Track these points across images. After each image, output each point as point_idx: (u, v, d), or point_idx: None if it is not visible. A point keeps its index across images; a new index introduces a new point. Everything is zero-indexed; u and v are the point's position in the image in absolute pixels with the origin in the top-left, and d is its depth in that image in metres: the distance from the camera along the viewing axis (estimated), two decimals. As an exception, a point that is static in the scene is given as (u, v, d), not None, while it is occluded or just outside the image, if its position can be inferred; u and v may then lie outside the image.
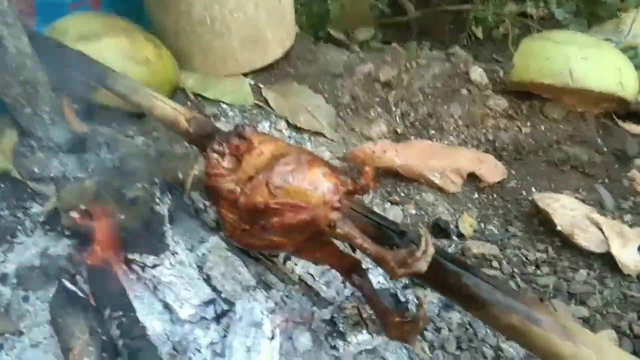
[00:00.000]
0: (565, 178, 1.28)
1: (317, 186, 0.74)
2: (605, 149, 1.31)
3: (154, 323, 1.00)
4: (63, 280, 0.99)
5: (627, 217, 1.20)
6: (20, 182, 1.30)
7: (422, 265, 0.64)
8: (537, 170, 1.30)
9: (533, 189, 1.27)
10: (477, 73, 1.44)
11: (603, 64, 1.25)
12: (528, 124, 1.34)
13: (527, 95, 1.36)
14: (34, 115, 1.30)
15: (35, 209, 1.29)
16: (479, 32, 2.03)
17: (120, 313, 0.86)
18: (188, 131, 0.93)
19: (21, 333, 1.02)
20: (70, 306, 0.93)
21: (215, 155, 0.81)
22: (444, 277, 0.69)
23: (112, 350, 0.83)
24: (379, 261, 0.70)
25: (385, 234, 0.75)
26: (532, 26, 1.75)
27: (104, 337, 0.86)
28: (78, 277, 1.04)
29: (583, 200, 1.22)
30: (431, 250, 0.65)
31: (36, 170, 1.30)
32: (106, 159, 1.36)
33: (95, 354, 0.83)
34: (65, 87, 1.33)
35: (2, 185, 1.32)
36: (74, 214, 1.01)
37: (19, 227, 1.23)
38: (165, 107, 0.98)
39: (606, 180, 1.28)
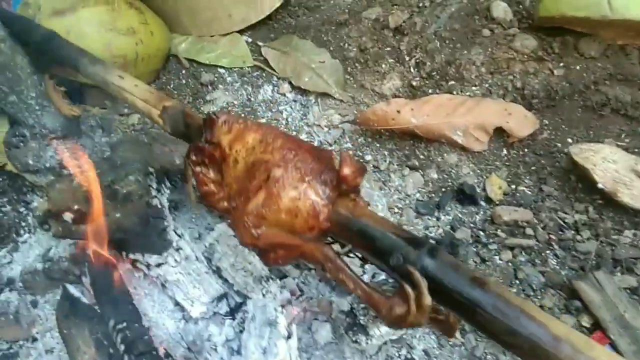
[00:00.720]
0: (606, 124, 1.13)
1: (296, 213, 0.66)
2: (651, 86, 1.15)
3: (166, 322, 0.95)
4: (67, 285, 0.94)
5: (678, 164, 1.06)
6: (16, 175, 1.24)
7: (420, 321, 0.56)
8: (573, 117, 1.15)
9: (569, 140, 1.13)
10: (500, 8, 1.26)
11: (649, -12, 1.07)
12: (561, 64, 1.18)
13: (559, 31, 1.19)
14: (20, 102, 1.21)
15: (37, 202, 1.23)
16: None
17: (124, 325, 0.81)
18: (164, 127, 0.83)
19: (34, 339, 0.99)
20: (75, 315, 0.88)
21: (198, 168, 0.72)
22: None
23: (121, 364, 0.79)
24: (372, 308, 0.63)
25: (381, 250, 0.64)
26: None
27: (111, 350, 0.81)
28: (83, 279, 0.99)
29: (627, 149, 1.08)
30: (427, 302, 0.56)
31: (31, 161, 1.23)
32: (102, 143, 1.28)
33: (104, 371, 0.79)
34: (47, 69, 1.23)
35: (0, 180, 1.27)
36: (68, 216, 0.94)
37: (22, 224, 1.19)
38: (136, 100, 0.87)
39: (653, 123, 1.13)
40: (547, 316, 0.53)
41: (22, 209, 1.22)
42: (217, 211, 0.77)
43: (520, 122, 1.14)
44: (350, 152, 1.21)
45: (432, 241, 0.99)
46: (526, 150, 1.14)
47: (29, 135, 1.25)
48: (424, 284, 0.58)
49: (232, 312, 0.95)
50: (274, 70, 1.37)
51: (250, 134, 0.74)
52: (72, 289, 0.93)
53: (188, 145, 0.81)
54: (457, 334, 0.89)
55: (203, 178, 0.74)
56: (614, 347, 0.82)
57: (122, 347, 0.78)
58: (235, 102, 1.33)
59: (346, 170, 0.64)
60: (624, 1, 1.08)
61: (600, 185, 1.00)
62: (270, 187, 0.66)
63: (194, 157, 0.73)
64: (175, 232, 0.98)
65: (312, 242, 0.66)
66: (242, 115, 1.30)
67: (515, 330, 0.53)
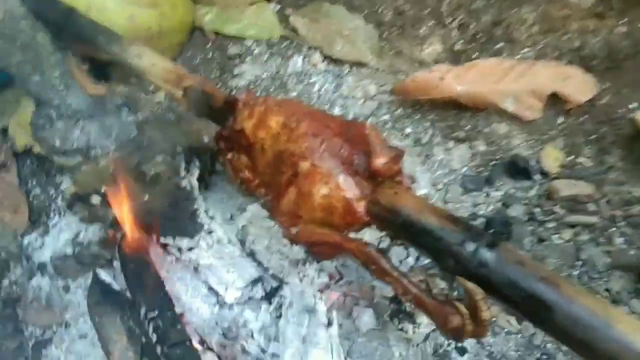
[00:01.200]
0: (676, 85, 1.02)
1: (331, 210, 0.59)
2: None
3: (200, 307, 0.91)
4: (98, 270, 0.91)
5: None
6: (45, 156, 1.21)
7: (480, 335, 0.49)
8: (637, 79, 1.03)
9: (633, 105, 1.02)
10: (553, -40, 1.14)
11: None
12: (624, 20, 1.05)
13: (623, -17, 1.06)
14: (44, 82, 1.17)
15: (66, 184, 1.20)
16: None
17: (157, 313, 0.76)
18: (188, 109, 0.76)
19: (67, 325, 0.97)
20: (106, 302, 0.85)
21: (230, 155, 0.66)
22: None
23: (153, 354, 0.75)
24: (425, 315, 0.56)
25: (431, 246, 0.56)
26: None
27: (143, 339, 0.77)
28: (114, 263, 0.96)
29: (700, 113, 0.96)
30: (486, 317, 0.50)
31: (57, 143, 1.19)
32: (129, 122, 1.23)
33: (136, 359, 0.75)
34: (70, 47, 1.18)
35: (29, 162, 1.24)
36: (96, 199, 0.90)
37: (52, 207, 1.17)
38: (156, 81, 0.81)
39: None
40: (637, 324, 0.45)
41: (51, 192, 1.20)
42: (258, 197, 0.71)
43: (578, 86, 1.03)
44: (389, 125, 1.12)
45: (488, 231, 0.91)
46: (585, 117, 1.04)
47: (55, 115, 1.22)
48: (481, 298, 0.51)
49: (268, 297, 0.90)
50: (304, 40, 1.29)
51: (272, 117, 0.68)
52: (103, 274, 0.90)
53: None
54: (512, 321, 0.81)
55: (236, 164, 0.68)
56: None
57: (155, 337, 0.74)
58: (264, 75, 1.26)
59: (378, 163, 0.57)
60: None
61: (672, 154, 0.89)
62: (300, 184, 0.60)
63: (222, 145, 0.67)
64: (207, 214, 0.93)
65: (353, 240, 0.60)
66: (264, 93, 1.23)
67: (594, 342, 0.45)
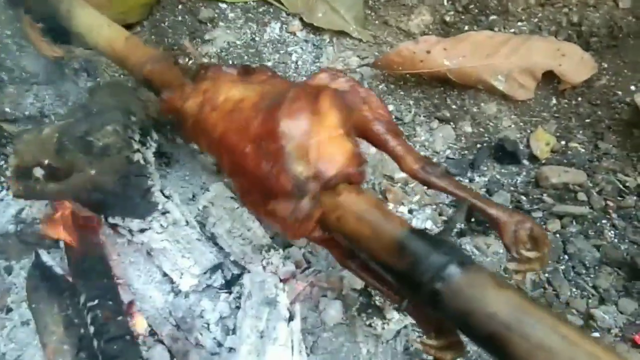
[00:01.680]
0: (679, 67, 0.94)
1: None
2: None
3: (153, 294, 0.84)
4: (39, 252, 0.82)
5: None
6: (-6, 123, 1.11)
7: None
8: (639, 59, 0.96)
9: (632, 87, 0.95)
10: None
11: None
12: (629, -6, 0.98)
13: (629, -48, 0.98)
14: (-6, 42, 1.07)
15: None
16: None
17: (97, 302, 0.68)
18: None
19: (9, 310, 0.89)
20: (46, 287, 0.76)
21: None
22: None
23: (91, 349, 0.67)
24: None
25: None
26: None
27: (82, 331, 0.69)
28: (60, 243, 0.87)
29: None
30: None
31: (8, 109, 1.10)
32: (86, 88, 1.13)
33: (71, 355, 0.67)
34: (23, 3, 1.07)
35: (-23, 130, 1.14)
36: (38, 172, 0.81)
37: (1, 179, 1.07)
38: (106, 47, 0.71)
39: None
40: None
41: (0, 162, 1.10)
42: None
43: (575, 65, 0.95)
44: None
45: (470, 220, 0.84)
46: (580, 99, 0.96)
47: (7, 79, 1.12)
48: None
49: (227, 285, 0.83)
50: (283, 5, 1.19)
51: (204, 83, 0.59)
52: (45, 256, 0.81)
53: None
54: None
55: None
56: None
57: (92, 329, 0.66)
58: (238, 42, 1.16)
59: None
60: None
61: (672, 142, 0.82)
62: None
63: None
64: (163, 193, 0.84)
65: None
66: (237, 62, 1.13)
67: None
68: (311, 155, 0.53)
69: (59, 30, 1.17)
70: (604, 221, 0.82)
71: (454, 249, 0.47)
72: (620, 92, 0.95)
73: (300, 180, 0.52)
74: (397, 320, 0.72)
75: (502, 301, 0.41)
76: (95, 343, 0.65)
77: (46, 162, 0.81)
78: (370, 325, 0.73)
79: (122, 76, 1.13)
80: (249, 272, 0.79)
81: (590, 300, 0.75)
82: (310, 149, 0.53)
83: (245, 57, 1.14)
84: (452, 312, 0.43)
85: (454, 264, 0.44)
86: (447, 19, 1.07)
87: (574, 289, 0.77)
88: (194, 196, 0.93)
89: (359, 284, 0.76)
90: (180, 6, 1.24)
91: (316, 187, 0.53)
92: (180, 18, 1.22)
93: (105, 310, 0.67)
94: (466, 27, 1.05)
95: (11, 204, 1.01)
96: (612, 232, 0.81)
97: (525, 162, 0.92)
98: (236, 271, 0.83)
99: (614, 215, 0.83)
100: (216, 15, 1.21)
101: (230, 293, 0.82)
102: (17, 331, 0.87)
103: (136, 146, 0.83)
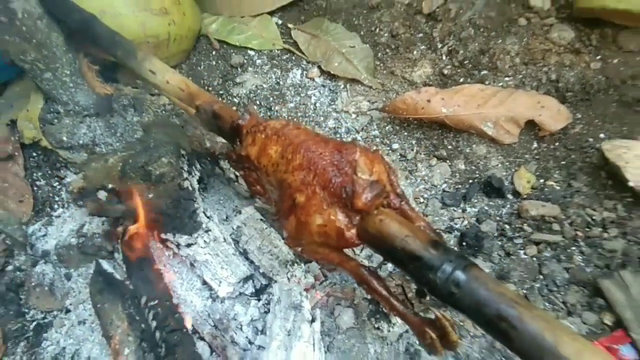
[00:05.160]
0: (641, 120, 1.11)
1: (326, 236, 0.69)
2: (692, 83, 1.11)
3: (194, 300, 0.98)
4: (100, 261, 0.98)
5: None
6: (51, 150, 1.27)
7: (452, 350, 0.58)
8: (607, 112, 1.13)
9: (602, 135, 1.11)
10: (538, -4, 1.23)
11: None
12: (598, 57, 1.15)
13: (598, 23, 1.15)
14: (55, 79, 1.23)
15: (70, 178, 1.27)
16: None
17: (156, 302, 0.84)
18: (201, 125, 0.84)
19: (68, 310, 1.04)
20: (108, 291, 0.92)
21: (242, 172, 0.75)
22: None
23: (152, 339, 0.82)
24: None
25: (413, 271, 0.64)
26: None
27: (142, 326, 0.85)
28: (116, 255, 1.03)
29: (661, 147, 1.06)
30: (455, 339, 0.60)
31: (65, 138, 1.26)
32: (134, 122, 1.30)
33: (135, 344, 0.82)
34: (82, 48, 1.24)
35: (35, 155, 1.30)
36: (102, 194, 0.97)
37: (56, 199, 1.23)
38: (170, 97, 0.88)
39: (691, 121, 1.10)
40: (582, 345, 0.52)
41: (55, 184, 1.26)
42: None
43: (553, 115, 1.12)
44: (378, 140, 1.21)
45: (462, 243, 1.00)
46: (557, 144, 1.13)
47: (62, 112, 1.28)
48: (449, 325, 0.59)
49: (257, 294, 0.98)
50: (304, 54, 1.37)
51: (272, 146, 0.76)
52: (105, 264, 0.97)
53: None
54: (479, 326, 0.90)
55: (249, 178, 0.75)
56: (634, 346, 0.82)
57: (154, 324, 0.81)
58: (264, 85, 1.34)
59: (359, 203, 0.65)
60: (669, -7, 1.04)
61: (631, 184, 0.98)
62: (298, 215, 0.68)
63: (233, 163, 0.75)
64: (205, 214, 1.00)
65: (351, 261, 0.68)
66: (264, 102, 1.30)
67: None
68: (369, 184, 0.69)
69: (111, 71, 1.35)
70: (573, 248, 0.98)
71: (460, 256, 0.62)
72: (591, 139, 1.11)
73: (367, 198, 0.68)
74: (400, 324, 0.87)
75: (499, 293, 0.57)
76: (157, 334, 0.80)
77: (110, 186, 0.98)
78: (377, 329, 0.88)
79: (164, 112, 1.30)
80: (276, 282, 0.94)
81: (560, 313, 0.90)
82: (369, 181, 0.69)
83: (271, 99, 1.31)
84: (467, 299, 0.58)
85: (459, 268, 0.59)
86: (445, 71, 1.25)
87: (546, 303, 0.92)
88: (227, 218, 1.09)
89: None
90: (214, 52, 1.42)
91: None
92: (214, 62, 1.40)
93: (163, 309, 0.83)
94: (461, 79, 1.23)
95: (68, 220, 1.17)
96: (580, 257, 0.96)
97: (510, 196, 1.08)
98: (264, 282, 0.99)
99: (582, 243, 0.98)
100: (245, 61, 1.39)
101: (259, 300, 0.97)
102: (75, 329, 1.01)
103: (185, 175, 0.99)
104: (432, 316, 0.62)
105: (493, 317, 0.56)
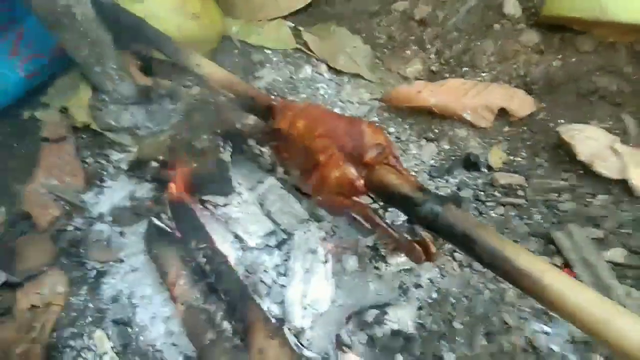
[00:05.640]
0: (593, 109, 1.35)
1: (341, 185, 0.93)
2: (634, 77, 1.35)
3: (228, 251, 1.21)
4: (152, 218, 1.20)
5: (651, 144, 1.28)
6: (98, 133, 1.49)
7: (432, 260, 0.85)
8: (567, 102, 1.37)
9: (561, 121, 1.34)
10: (511, 5, 1.47)
11: (635, -5, 1.26)
12: (559, 57, 1.39)
13: (559, 29, 1.39)
14: (103, 73, 1.46)
15: (115, 156, 1.49)
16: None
17: (204, 245, 1.07)
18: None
19: (121, 261, 1.25)
20: (161, 240, 1.14)
21: (273, 143, 1.01)
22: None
23: (201, 273, 1.05)
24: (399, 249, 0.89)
25: (406, 206, 0.88)
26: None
27: (192, 264, 1.07)
28: (163, 216, 1.25)
29: (609, 130, 1.29)
30: (434, 251, 0.87)
31: (111, 122, 1.48)
32: (169, 109, 1.53)
33: (189, 276, 1.05)
34: (128, 46, 1.47)
35: (84, 137, 1.53)
36: (155, 165, 1.20)
37: (104, 173, 1.45)
38: (215, 85, 1.12)
39: (633, 109, 1.34)
40: (517, 249, 0.76)
41: (102, 162, 1.48)
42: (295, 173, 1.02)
43: (521, 104, 1.36)
44: (376, 124, 1.44)
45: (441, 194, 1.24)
46: (524, 128, 1.36)
47: (108, 100, 1.51)
48: (429, 241, 0.83)
49: (279, 246, 1.20)
50: (313, 53, 1.60)
51: (299, 120, 0.99)
52: (157, 221, 1.19)
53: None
54: (456, 267, 1.13)
55: (278, 148, 0.99)
56: (577, 279, 1.05)
57: (204, 260, 1.04)
58: (280, 79, 1.57)
59: (366, 159, 0.89)
60: (614, 4, 1.28)
61: (580, 157, 1.22)
62: (321, 171, 0.91)
63: (266, 136, 0.98)
64: (237, 182, 1.23)
65: (359, 204, 0.91)
66: (280, 94, 1.54)
67: (498, 265, 0.76)
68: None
69: (150, 66, 1.58)
70: (533, 209, 1.21)
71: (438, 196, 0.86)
72: (552, 124, 1.35)
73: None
74: (395, 264, 1.10)
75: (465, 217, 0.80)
76: (207, 267, 1.02)
77: (160, 157, 1.21)
78: (376, 268, 1.11)
79: (195, 101, 1.53)
80: (296, 233, 1.17)
81: (520, 258, 1.13)
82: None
83: (286, 90, 1.54)
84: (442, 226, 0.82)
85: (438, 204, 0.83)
86: (433, 68, 1.48)
87: (511, 251, 1.15)
88: (252, 188, 1.32)
89: (371, 242, 1.14)
90: (236, 51, 1.65)
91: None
92: (236, 60, 1.64)
93: (210, 249, 1.05)
94: (447, 75, 1.46)
95: (117, 189, 1.39)
96: (539, 216, 1.19)
97: (484, 170, 1.31)
98: (285, 236, 1.21)
99: (541, 206, 1.21)
100: (263, 58, 1.62)
101: (281, 250, 1.19)
102: (129, 275, 1.23)
103: (221, 149, 1.22)
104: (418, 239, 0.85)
105: (460, 236, 0.80)
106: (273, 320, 0.96)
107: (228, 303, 0.96)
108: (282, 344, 0.86)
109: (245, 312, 0.92)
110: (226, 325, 0.99)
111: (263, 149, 1.26)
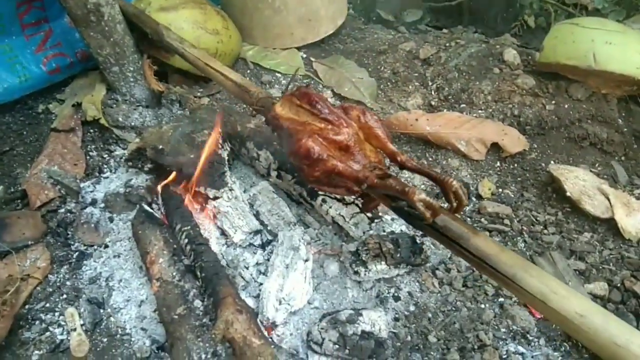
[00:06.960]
0: (583, 154, 1.39)
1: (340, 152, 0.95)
2: (625, 129, 1.41)
3: (213, 245, 1.21)
4: (142, 204, 1.23)
5: (638, 191, 1.30)
6: (106, 129, 1.55)
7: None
8: (558, 145, 1.42)
9: (552, 162, 1.39)
10: (511, 54, 1.56)
11: (626, 48, 1.34)
12: (552, 102, 1.45)
13: (554, 76, 1.47)
14: (120, 73, 1.54)
15: (118, 152, 1.54)
16: (531, 21, 2.10)
17: (189, 227, 1.08)
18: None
19: (106, 246, 1.26)
20: (148, 223, 1.16)
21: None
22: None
23: (181, 253, 1.06)
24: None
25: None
26: (574, 14, 1.83)
27: (174, 246, 1.08)
28: (154, 206, 1.27)
29: (597, 175, 1.33)
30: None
31: (120, 119, 1.55)
32: (177, 115, 1.60)
33: (168, 256, 1.05)
34: (146, 50, 1.56)
35: (92, 130, 1.58)
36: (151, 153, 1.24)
37: (105, 165, 1.49)
38: (232, 88, 1.18)
39: (622, 158, 1.38)
40: (485, 238, 0.77)
41: (105, 156, 1.53)
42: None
43: (514, 141, 1.41)
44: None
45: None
46: (515, 164, 1.40)
47: (120, 100, 1.58)
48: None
49: (263, 246, 1.21)
50: (321, 80, 1.68)
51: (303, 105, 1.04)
52: (146, 207, 1.21)
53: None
54: (436, 284, 1.13)
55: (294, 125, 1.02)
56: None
57: (186, 240, 1.05)
58: (286, 99, 1.64)
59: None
60: (607, 56, 1.36)
61: (568, 194, 1.25)
62: (325, 138, 0.94)
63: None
64: (231, 178, 1.26)
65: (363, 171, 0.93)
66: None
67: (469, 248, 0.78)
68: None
69: (165, 74, 1.66)
70: (518, 238, 1.22)
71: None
72: (543, 164, 1.39)
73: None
74: (374, 271, 1.10)
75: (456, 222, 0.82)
76: (187, 248, 1.03)
77: (160, 147, 1.25)
78: (356, 272, 1.11)
79: (204, 105, 1.60)
80: (281, 232, 1.18)
81: (501, 281, 1.13)
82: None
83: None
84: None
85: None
86: (433, 103, 1.55)
87: (492, 274, 1.15)
88: (245, 190, 1.35)
89: (353, 248, 1.15)
90: (248, 71, 1.74)
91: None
92: (247, 78, 1.72)
93: (193, 232, 1.07)
94: (445, 110, 1.53)
95: (114, 179, 1.42)
96: (523, 244, 1.20)
97: (474, 198, 1.33)
98: (270, 237, 1.22)
99: (526, 236, 1.23)
100: (273, 80, 1.70)
101: (264, 250, 1.20)
102: (111, 260, 1.23)
103: (219, 145, 1.26)
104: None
105: (454, 236, 0.81)
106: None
107: (203, 279, 0.96)
108: (249, 319, 0.85)
109: (219, 288, 0.92)
110: (198, 303, 0.99)
111: (260, 152, 1.30)
